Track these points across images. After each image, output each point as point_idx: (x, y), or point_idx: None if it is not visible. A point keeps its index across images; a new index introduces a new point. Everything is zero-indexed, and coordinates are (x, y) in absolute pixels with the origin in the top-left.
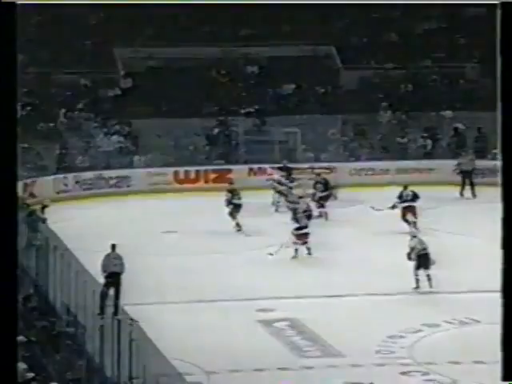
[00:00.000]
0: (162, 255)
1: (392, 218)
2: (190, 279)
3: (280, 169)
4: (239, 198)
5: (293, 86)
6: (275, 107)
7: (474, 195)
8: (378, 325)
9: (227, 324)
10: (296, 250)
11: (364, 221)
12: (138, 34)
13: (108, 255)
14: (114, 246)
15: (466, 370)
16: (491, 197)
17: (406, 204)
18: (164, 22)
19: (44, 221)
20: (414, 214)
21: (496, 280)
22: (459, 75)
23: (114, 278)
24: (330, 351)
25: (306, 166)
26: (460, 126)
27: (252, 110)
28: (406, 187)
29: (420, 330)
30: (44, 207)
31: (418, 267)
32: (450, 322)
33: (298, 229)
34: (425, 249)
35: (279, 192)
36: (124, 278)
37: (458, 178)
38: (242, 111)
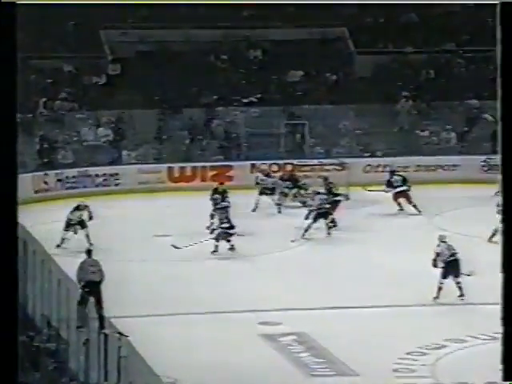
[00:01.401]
0: (155, 261)
1: (410, 222)
2: (186, 288)
3: (283, 178)
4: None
5: (300, 72)
6: (280, 96)
7: None
8: (396, 340)
9: (226, 338)
10: (216, 246)
11: (378, 224)
12: (128, 14)
13: (83, 262)
14: (89, 252)
15: None
16: None
17: (397, 190)
18: (157, 2)
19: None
20: (408, 198)
21: None
22: (487, 60)
23: (91, 288)
24: (343, 369)
25: (314, 162)
26: (488, 116)
27: (254, 99)
28: (393, 172)
29: (444, 346)
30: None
31: (444, 275)
32: (478, 337)
33: (227, 228)
34: (454, 254)
35: (264, 192)
36: (112, 286)
37: (486, 176)
38: (244, 100)
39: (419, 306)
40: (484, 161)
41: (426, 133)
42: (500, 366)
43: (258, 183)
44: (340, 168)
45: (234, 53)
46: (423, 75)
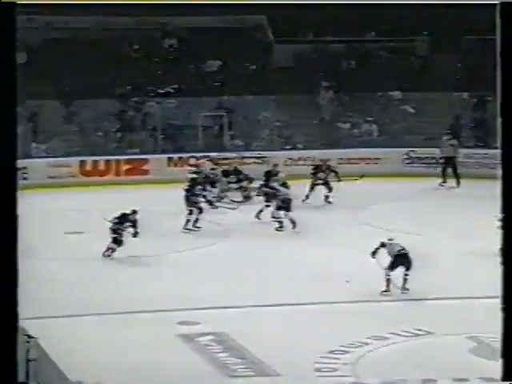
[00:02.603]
0: (66, 260)
1: (334, 217)
2: (100, 288)
3: (226, 173)
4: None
5: (218, 62)
6: (198, 87)
7: (457, 183)
8: (318, 338)
9: (142, 339)
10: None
11: (302, 219)
12: None
13: None
14: None
15: None
16: (442, 192)
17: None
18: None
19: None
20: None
21: (451, 285)
22: (409, 50)
23: None
24: (263, 369)
25: (234, 155)
26: (409, 108)
27: (171, 89)
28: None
29: (365, 344)
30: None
31: (392, 267)
32: (400, 334)
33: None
34: (403, 249)
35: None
36: (20, 286)
37: (408, 169)
38: (160, 91)
39: (341, 303)
40: (406, 153)
41: (348, 125)
42: (423, 362)
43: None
44: (260, 161)
45: (148, 41)
46: (344, 65)
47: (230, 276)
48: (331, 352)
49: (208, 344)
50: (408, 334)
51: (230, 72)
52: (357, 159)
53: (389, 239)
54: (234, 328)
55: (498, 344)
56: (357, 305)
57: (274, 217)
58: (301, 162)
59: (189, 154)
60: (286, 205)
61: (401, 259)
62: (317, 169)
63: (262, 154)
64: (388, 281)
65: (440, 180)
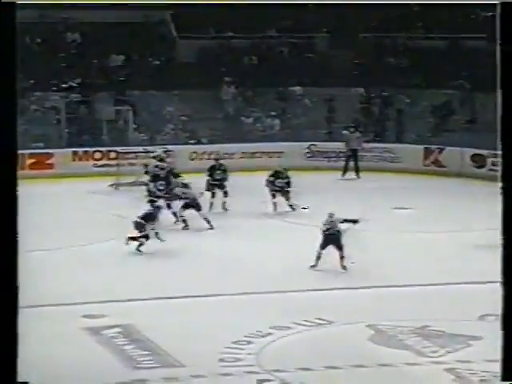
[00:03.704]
0: None
1: (236, 210)
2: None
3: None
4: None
5: (122, 56)
6: (102, 81)
7: (358, 176)
8: (222, 329)
9: (47, 333)
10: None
11: (205, 212)
12: None
13: None
14: None
15: (317, 376)
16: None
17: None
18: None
19: None
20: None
21: (351, 275)
22: (308, 47)
23: None
24: (168, 361)
25: (139, 149)
26: (309, 103)
27: (74, 84)
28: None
29: (269, 334)
30: None
31: (322, 245)
32: (302, 324)
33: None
34: (333, 228)
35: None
36: None
37: (310, 163)
38: (63, 85)
39: (244, 294)
40: (308, 147)
41: (251, 119)
42: (324, 351)
43: (147, 172)
44: (165, 155)
45: (50, 35)
46: (246, 61)
47: (135, 269)
48: (235, 342)
49: (114, 336)
50: (310, 324)
51: (134, 67)
52: (260, 153)
53: (329, 215)
54: (140, 320)
55: (393, 332)
56: (260, 296)
57: (181, 215)
58: (206, 156)
59: (94, 149)
60: (194, 205)
61: (328, 238)
62: (275, 175)
63: (168, 148)
64: (318, 258)
65: (341, 173)
